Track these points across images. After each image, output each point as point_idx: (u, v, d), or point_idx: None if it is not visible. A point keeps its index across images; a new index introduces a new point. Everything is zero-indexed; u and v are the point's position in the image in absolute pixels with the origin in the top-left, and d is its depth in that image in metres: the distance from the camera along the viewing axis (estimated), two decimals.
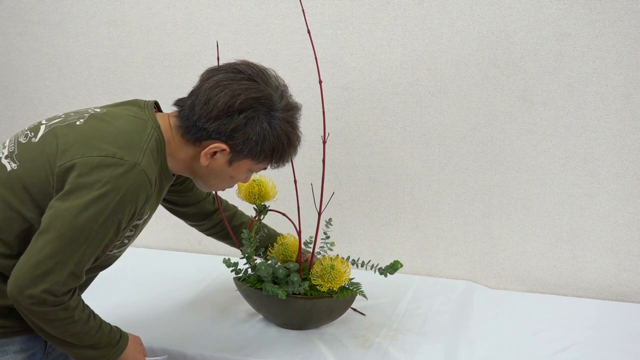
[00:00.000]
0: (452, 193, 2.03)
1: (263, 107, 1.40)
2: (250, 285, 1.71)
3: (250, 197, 1.74)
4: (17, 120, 2.41)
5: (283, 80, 1.46)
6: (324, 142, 1.72)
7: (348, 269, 1.66)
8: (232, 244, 1.83)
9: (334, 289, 1.64)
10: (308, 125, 2.05)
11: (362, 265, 1.72)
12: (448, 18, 1.89)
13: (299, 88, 2.05)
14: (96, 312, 1.44)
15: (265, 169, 1.50)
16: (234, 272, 1.75)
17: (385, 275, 1.68)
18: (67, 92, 2.34)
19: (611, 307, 1.88)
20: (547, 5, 1.81)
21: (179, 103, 1.46)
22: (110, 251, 1.44)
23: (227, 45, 2.09)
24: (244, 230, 1.74)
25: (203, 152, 1.42)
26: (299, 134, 1.47)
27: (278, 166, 1.49)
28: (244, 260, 1.74)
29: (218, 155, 1.42)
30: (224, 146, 1.40)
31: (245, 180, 1.53)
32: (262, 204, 1.75)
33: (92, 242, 1.32)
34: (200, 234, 2.29)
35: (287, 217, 1.73)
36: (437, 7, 1.90)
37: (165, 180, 1.45)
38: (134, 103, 1.49)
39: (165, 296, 1.96)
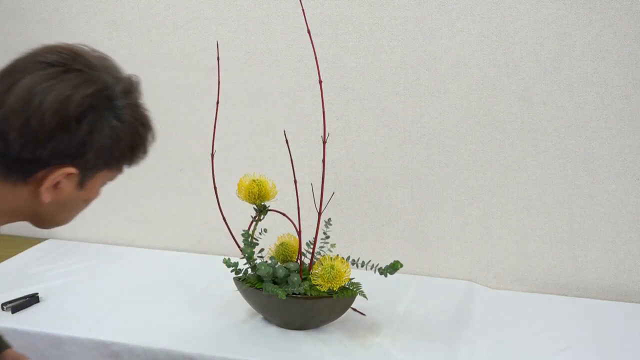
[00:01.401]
0: (452, 193, 2.03)
1: (103, 100, 1.04)
2: (250, 285, 1.71)
3: (250, 197, 1.74)
4: None
5: (100, 52, 1.11)
6: (324, 142, 1.72)
7: (348, 269, 1.66)
8: None
9: (334, 289, 1.64)
10: (308, 125, 2.06)
11: (362, 265, 1.71)
12: (448, 18, 1.89)
13: (299, 88, 2.06)
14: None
15: (122, 172, 1.15)
16: (234, 272, 1.75)
17: (385, 275, 1.68)
18: None
19: (611, 307, 1.88)
20: (547, 5, 1.81)
21: None
22: None
23: (227, 45, 2.09)
24: (244, 230, 1.74)
25: (43, 187, 1.05)
26: (148, 113, 1.13)
27: (138, 163, 1.14)
28: (244, 260, 1.74)
29: (63, 182, 1.06)
30: (70, 170, 1.04)
31: (97, 195, 1.16)
32: (262, 204, 1.75)
33: None
34: (200, 233, 2.30)
35: (287, 217, 1.73)
36: (437, 7, 1.89)
37: None
38: None
39: (165, 296, 1.96)
